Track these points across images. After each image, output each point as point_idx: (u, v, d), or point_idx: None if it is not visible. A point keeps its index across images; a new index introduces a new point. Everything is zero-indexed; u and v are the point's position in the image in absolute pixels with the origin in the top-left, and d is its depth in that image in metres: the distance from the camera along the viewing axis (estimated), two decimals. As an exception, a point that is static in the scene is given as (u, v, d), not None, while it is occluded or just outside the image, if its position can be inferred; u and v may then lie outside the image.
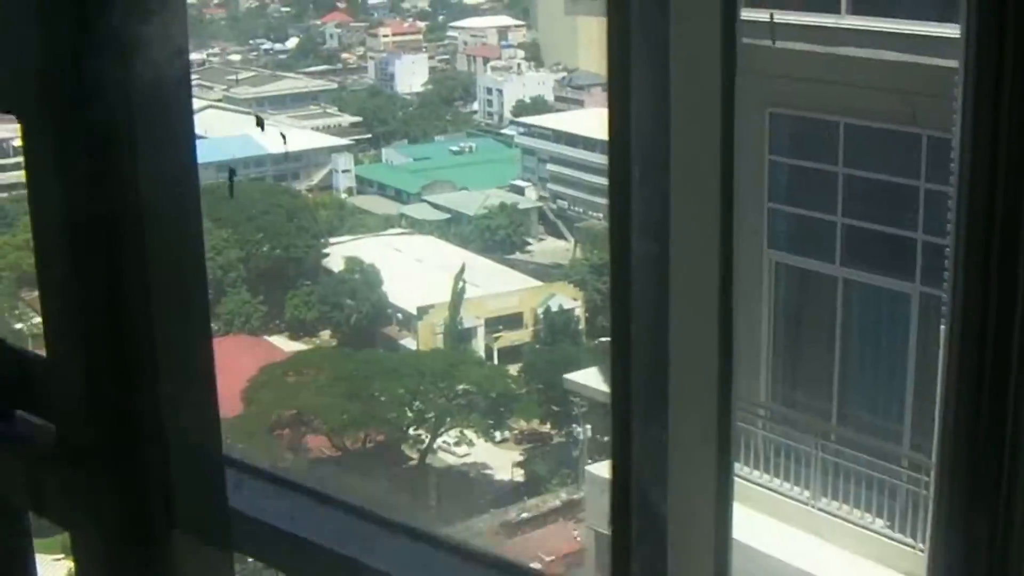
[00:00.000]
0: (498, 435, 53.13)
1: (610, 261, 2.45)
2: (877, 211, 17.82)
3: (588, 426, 50.22)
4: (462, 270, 61.37)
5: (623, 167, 2.45)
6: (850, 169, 18.04)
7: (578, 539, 50.77)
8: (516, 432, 54.00)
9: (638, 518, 2.55)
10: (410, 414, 50.19)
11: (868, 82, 17.14)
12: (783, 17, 17.49)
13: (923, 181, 17.00)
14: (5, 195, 75.03)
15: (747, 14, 16.67)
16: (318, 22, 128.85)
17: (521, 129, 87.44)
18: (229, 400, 46.56)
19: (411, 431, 50.85)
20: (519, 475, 52.74)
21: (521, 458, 53.38)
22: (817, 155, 18.54)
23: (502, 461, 53.25)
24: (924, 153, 17.03)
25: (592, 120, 76.60)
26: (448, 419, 50.82)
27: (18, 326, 62.31)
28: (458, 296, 60.72)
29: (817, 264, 18.71)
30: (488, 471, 53.36)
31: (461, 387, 50.68)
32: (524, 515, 50.72)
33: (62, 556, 47.69)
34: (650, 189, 2.44)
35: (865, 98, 17.20)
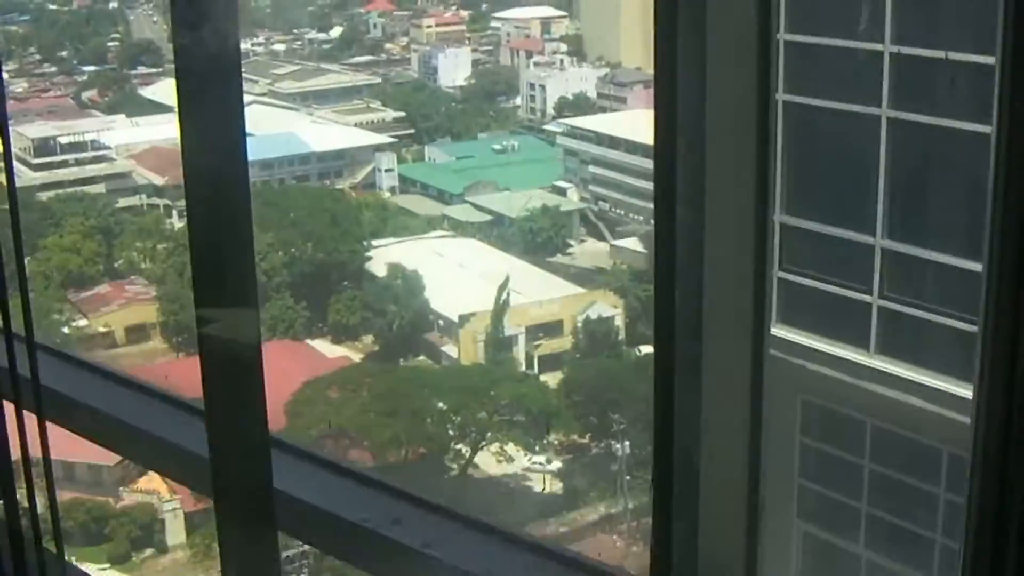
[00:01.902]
0: (537, 447, 53.53)
1: (655, 234, 2.74)
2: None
3: (627, 442, 50.72)
4: (507, 280, 61.70)
5: (669, 140, 2.70)
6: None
7: (618, 546, 51.40)
8: (556, 444, 54.37)
9: (677, 478, 2.84)
10: (452, 431, 50.63)
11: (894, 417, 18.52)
12: (813, 343, 18.39)
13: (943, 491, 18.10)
14: (52, 194, 75.80)
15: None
16: (362, 10, 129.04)
17: (563, 128, 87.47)
18: (273, 413, 47.09)
19: (452, 446, 51.29)
20: (558, 487, 53.15)
21: (560, 469, 53.76)
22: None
23: (541, 474, 53.67)
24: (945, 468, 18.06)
25: (634, 122, 76.70)
26: (488, 434, 51.26)
27: (65, 330, 63.26)
28: (501, 306, 61.11)
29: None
30: (528, 483, 53.79)
31: (502, 402, 51.13)
32: (563, 529, 51.26)
33: (107, 566, 48.34)
34: (691, 162, 2.72)
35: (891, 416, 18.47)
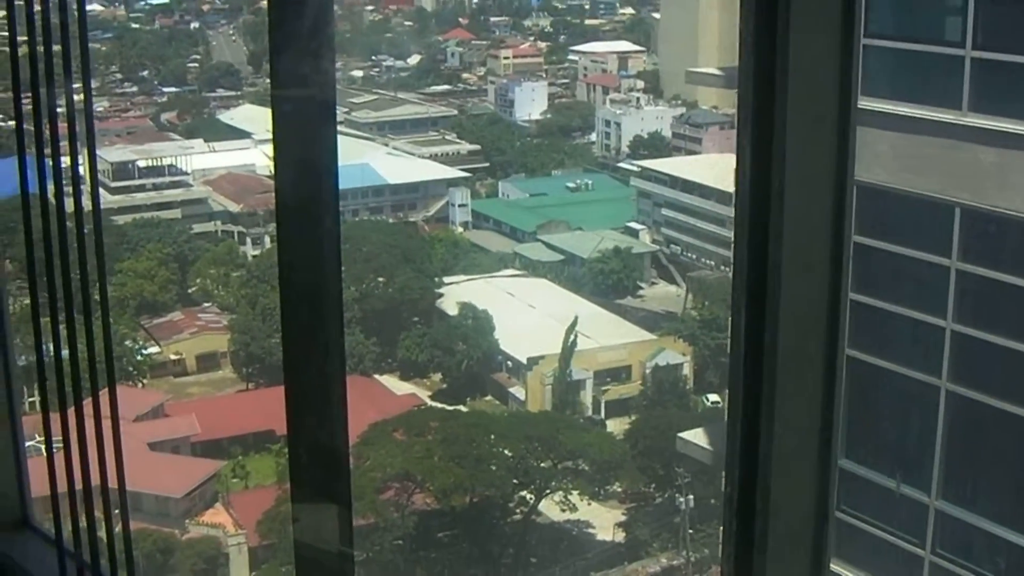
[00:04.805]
0: (602, 494, 53.47)
1: (733, 261, 2.77)
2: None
3: (691, 496, 50.59)
4: (574, 323, 61.71)
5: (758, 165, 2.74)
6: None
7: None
8: (620, 492, 54.32)
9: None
10: (515, 480, 50.72)
11: None
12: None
13: None
14: (128, 218, 76.54)
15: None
16: (440, 38, 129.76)
17: (637, 169, 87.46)
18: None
19: (516, 494, 51.36)
20: (620, 536, 53.09)
21: (623, 519, 53.71)
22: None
23: (605, 521, 53.63)
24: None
25: (708, 167, 76.57)
26: (553, 483, 51.31)
27: (139, 358, 63.88)
28: (569, 349, 61.13)
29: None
30: (590, 530, 53.76)
31: (566, 451, 51.15)
32: (625, 579, 51.30)
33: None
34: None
35: None
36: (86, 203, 3.70)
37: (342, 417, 3.01)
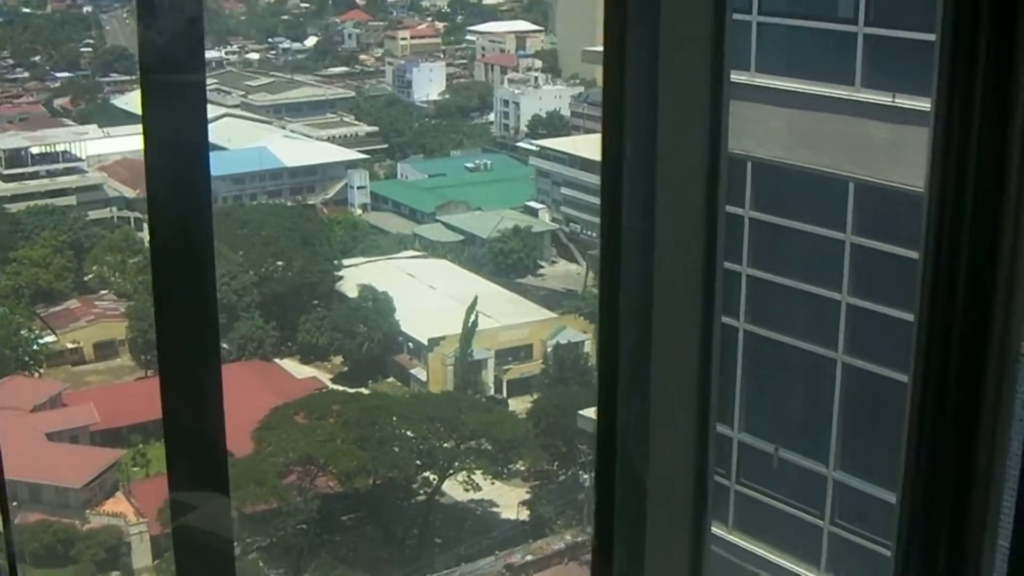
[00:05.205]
0: (505, 473, 53.54)
1: (600, 235, 2.77)
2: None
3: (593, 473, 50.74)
4: (474, 303, 61.75)
5: (616, 144, 2.73)
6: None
7: None
8: (523, 471, 54.45)
9: (621, 486, 2.83)
10: (419, 461, 50.68)
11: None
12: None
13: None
14: (22, 206, 75.43)
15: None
16: (337, 20, 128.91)
17: (536, 148, 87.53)
18: (240, 439, 47.09)
19: (419, 475, 51.33)
20: (524, 515, 53.24)
21: (527, 497, 53.85)
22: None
23: (509, 500, 53.74)
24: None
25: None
26: (456, 463, 51.32)
27: (35, 348, 63.05)
28: (470, 330, 61.15)
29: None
30: (494, 509, 53.86)
31: (468, 431, 51.14)
32: (528, 557, 51.41)
33: None
34: (640, 167, 2.74)
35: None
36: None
37: (218, 402, 2.94)
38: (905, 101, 20.07)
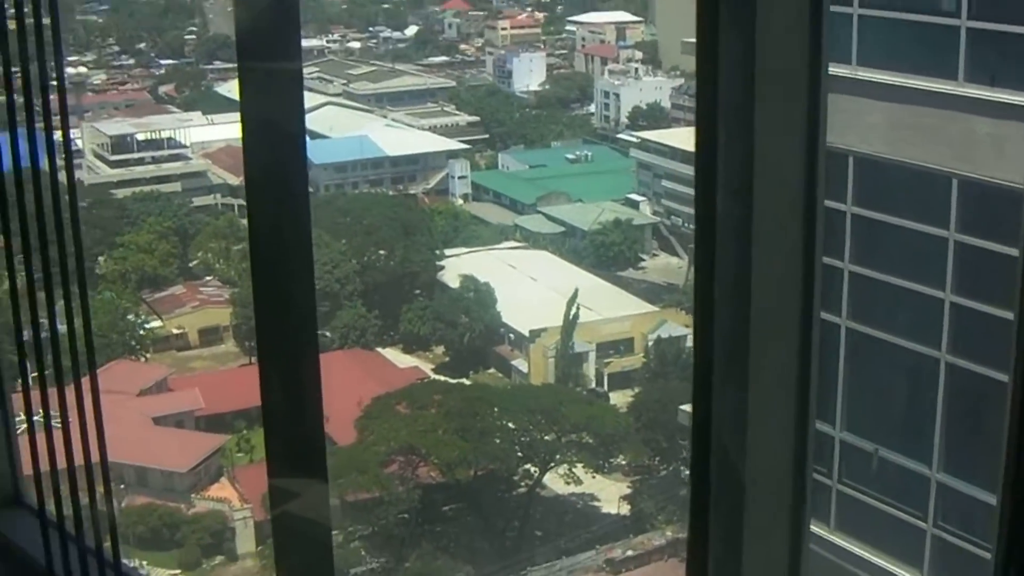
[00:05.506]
0: (606, 467, 53.28)
1: (695, 223, 2.70)
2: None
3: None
4: (575, 295, 61.47)
5: (710, 130, 2.69)
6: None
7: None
8: (624, 465, 54.16)
9: (716, 479, 2.75)
10: (519, 453, 50.60)
11: None
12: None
13: None
14: (128, 192, 76.35)
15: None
16: (437, 9, 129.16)
17: (637, 140, 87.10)
18: (343, 427, 47.32)
19: (520, 467, 51.24)
20: (625, 509, 52.96)
21: (628, 492, 53.56)
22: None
23: (610, 494, 53.50)
24: None
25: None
26: (557, 455, 51.17)
27: (141, 332, 63.80)
28: (571, 322, 60.91)
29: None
30: (595, 503, 53.64)
31: (569, 424, 50.96)
32: (629, 552, 51.13)
33: (179, 572, 48.75)
34: (736, 152, 2.68)
35: None
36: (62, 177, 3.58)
37: (316, 389, 2.94)
38: (1007, 96, 19.76)
